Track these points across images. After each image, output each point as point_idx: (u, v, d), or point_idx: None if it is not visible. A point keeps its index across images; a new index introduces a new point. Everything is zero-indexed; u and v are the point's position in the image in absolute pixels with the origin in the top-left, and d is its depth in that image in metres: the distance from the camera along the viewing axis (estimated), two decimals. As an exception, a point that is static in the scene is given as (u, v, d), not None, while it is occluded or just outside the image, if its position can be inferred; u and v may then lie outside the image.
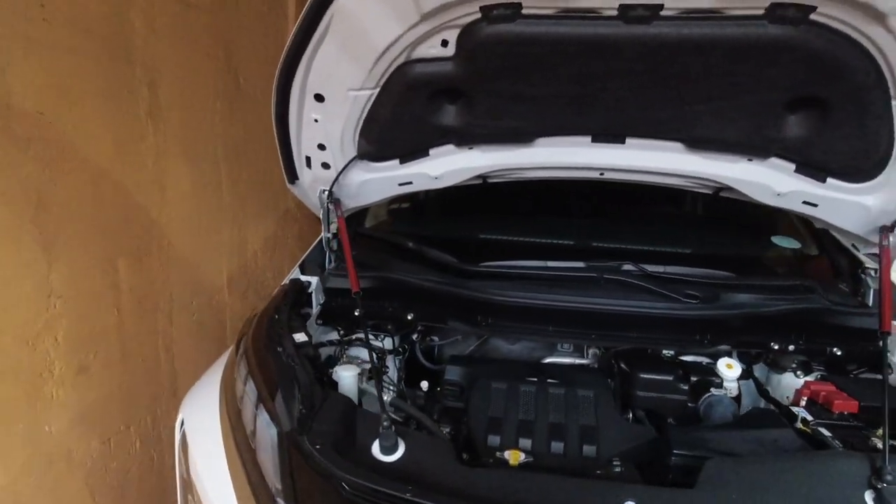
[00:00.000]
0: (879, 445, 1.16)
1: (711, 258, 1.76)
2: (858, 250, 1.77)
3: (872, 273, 1.68)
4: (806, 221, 1.89)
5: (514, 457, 1.18)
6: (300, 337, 1.35)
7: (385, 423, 1.03)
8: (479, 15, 1.16)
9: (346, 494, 0.91)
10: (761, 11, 1.08)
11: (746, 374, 1.58)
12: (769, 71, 1.20)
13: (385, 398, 1.36)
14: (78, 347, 1.73)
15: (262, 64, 2.56)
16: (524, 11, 1.14)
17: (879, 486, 0.93)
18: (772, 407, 1.43)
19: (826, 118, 1.31)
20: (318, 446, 0.98)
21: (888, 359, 1.51)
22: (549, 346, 1.72)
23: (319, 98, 1.40)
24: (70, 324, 1.68)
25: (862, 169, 1.40)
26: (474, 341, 1.77)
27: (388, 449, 1.02)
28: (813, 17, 1.09)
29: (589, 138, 1.47)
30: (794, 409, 1.39)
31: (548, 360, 1.71)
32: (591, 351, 1.70)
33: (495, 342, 1.76)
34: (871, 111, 1.25)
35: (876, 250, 1.59)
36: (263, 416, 1.07)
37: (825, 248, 1.89)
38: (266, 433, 1.04)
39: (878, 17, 1.05)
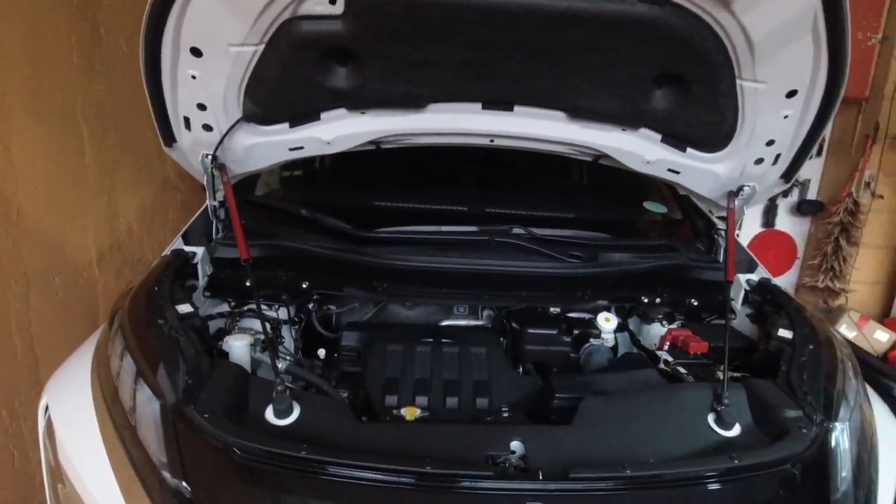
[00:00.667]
0: (720, 375, 1.36)
1: (592, 222, 1.91)
2: (713, 214, 2.02)
3: (722, 233, 1.92)
4: (672, 188, 2.11)
5: (410, 413, 1.22)
6: (184, 308, 1.27)
7: (279, 388, 1.02)
8: (369, -29, 1.14)
9: (238, 460, 0.88)
10: (632, -11, 1.17)
11: (622, 327, 1.76)
12: (639, 47, 1.30)
13: (280, 365, 1.33)
14: None
15: (128, 12, 2.29)
16: (414, -29, 1.13)
17: (719, 409, 1.10)
18: (641, 353, 1.60)
19: (686, 94, 1.45)
20: (206, 415, 0.94)
21: (731, 306, 1.76)
22: (446, 310, 1.78)
23: (196, 52, 1.30)
24: None
25: (714, 140, 1.59)
26: (372, 308, 1.78)
27: (283, 412, 1.00)
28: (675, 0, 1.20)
29: (479, 105, 1.51)
30: (659, 353, 1.57)
31: (445, 324, 1.77)
32: (485, 313, 1.78)
33: (393, 309, 1.79)
34: (721, 89, 1.41)
35: (725, 213, 1.82)
36: (144, 391, 1.00)
37: (687, 212, 2.13)
38: (147, 408, 0.97)
39: (724, 3, 1.19)
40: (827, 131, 3.04)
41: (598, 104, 1.51)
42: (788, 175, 1.67)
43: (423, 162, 2.04)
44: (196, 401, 0.98)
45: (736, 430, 1.09)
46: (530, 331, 1.52)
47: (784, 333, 1.40)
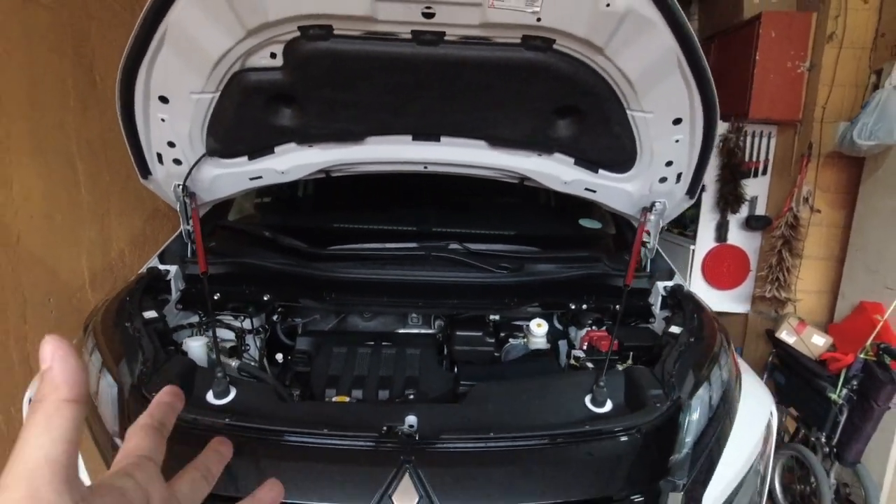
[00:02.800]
0: (619, 368, 1.55)
1: (526, 238, 2.12)
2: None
3: (649, 245, 2.12)
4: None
5: (340, 400, 1.42)
6: (150, 314, 1.49)
7: (219, 374, 1.22)
8: (298, 33, 1.39)
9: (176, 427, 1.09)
10: (518, 40, 1.41)
11: (563, 334, 1.95)
12: (534, 86, 1.54)
13: (233, 363, 1.55)
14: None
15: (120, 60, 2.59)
16: (335, 32, 1.37)
17: (594, 389, 1.29)
18: (548, 349, 1.79)
19: (584, 122, 1.68)
20: (153, 394, 1.15)
21: (651, 309, 1.95)
22: (401, 319, 1.98)
23: (164, 100, 1.55)
24: None
25: (619, 162, 1.80)
26: (333, 319, 1.99)
27: (220, 394, 1.21)
28: (556, 47, 1.43)
29: (410, 137, 1.74)
30: (575, 351, 1.77)
31: (400, 332, 1.96)
32: (437, 322, 1.98)
33: (353, 319, 1.99)
34: (613, 118, 1.64)
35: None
36: (107, 378, 1.21)
37: (620, 227, 2.34)
38: (107, 391, 1.19)
39: (598, 49, 1.42)
40: (770, 151, 3.27)
41: (511, 133, 1.74)
42: (692, 191, 1.87)
43: (375, 188, 2.28)
44: (148, 384, 1.19)
45: (608, 408, 1.27)
46: (458, 333, 1.73)
47: (674, 329, 1.60)
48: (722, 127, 3.04)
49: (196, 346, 1.51)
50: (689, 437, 1.19)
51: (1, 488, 0.33)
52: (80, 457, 1.06)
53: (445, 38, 1.40)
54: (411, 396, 1.39)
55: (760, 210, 3.30)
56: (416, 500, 0.99)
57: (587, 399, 1.29)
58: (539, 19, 1.32)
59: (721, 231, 3.34)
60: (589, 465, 1.11)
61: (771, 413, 1.49)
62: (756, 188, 3.29)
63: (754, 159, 3.24)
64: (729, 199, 3.22)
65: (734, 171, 3.18)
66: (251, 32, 1.37)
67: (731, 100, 3.12)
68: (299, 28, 1.37)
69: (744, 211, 3.30)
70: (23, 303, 2.11)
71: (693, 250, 3.41)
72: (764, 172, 3.27)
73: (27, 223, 2.11)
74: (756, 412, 1.42)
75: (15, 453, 0.35)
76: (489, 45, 1.43)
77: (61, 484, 0.34)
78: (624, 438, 1.15)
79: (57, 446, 0.35)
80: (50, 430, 0.35)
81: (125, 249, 2.73)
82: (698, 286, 3.34)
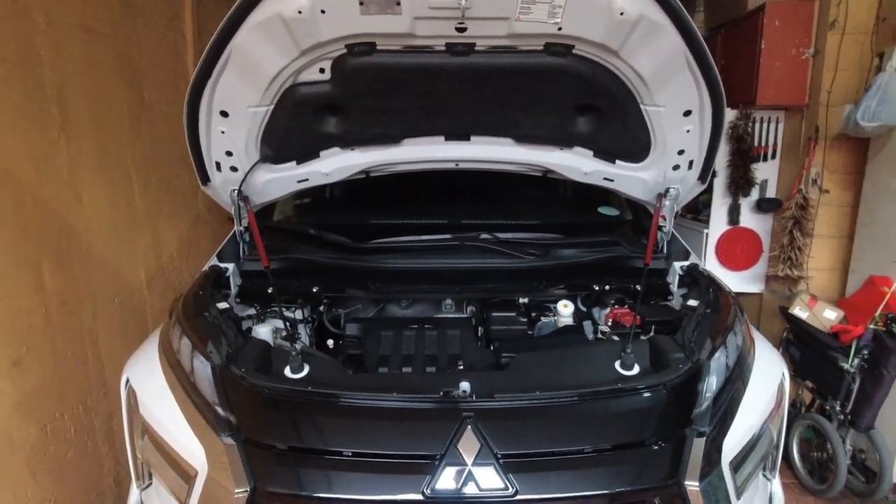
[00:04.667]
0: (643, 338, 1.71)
1: (550, 226, 2.29)
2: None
3: (665, 228, 2.27)
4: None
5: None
6: (223, 305, 1.69)
7: (294, 353, 1.41)
8: (345, 50, 1.57)
9: (266, 396, 1.28)
10: (541, 47, 1.58)
11: (587, 315, 2.11)
12: (555, 87, 1.70)
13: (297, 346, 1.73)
14: (11, 342, 1.92)
15: (165, 80, 2.80)
16: (378, 48, 1.56)
17: (622, 356, 1.45)
18: (578, 326, 1.95)
19: (603, 118, 1.84)
20: (243, 370, 1.34)
21: (669, 287, 2.10)
22: (436, 306, 2.16)
23: (224, 114, 1.74)
24: (1, 321, 1.87)
25: (635, 153, 1.96)
26: (373, 309, 2.17)
27: (296, 369, 1.40)
28: (575, 51, 1.59)
29: (443, 138, 1.92)
30: (601, 327, 1.93)
31: (437, 317, 2.14)
32: (469, 308, 2.16)
33: (391, 308, 2.18)
34: (630, 113, 1.80)
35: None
36: (199, 359, 1.40)
37: (637, 214, 2.49)
38: (202, 370, 1.37)
39: (613, 52, 1.58)
40: (779, 136, 3.39)
41: (536, 131, 1.90)
42: (703, 177, 2.02)
43: (409, 186, 2.46)
44: (235, 362, 1.38)
45: (635, 371, 1.44)
46: (494, 314, 1.90)
47: (692, 303, 1.75)
48: (730, 114, 3.16)
49: (264, 332, 1.70)
50: (708, 393, 1.35)
51: None
52: (184, 420, 1.24)
53: (476, 48, 1.57)
54: (461, 367, 1.57)
55: (771, 193, 3.42)
56: (478, 447, 1.17)
57: (617, 364, 1.46)
58: (560, 28, 1.48)
59: (733, 214, 3.46)
60: (624, 417, 1.28)
61: (783, 374, 1.65)
62: (766, 172, 3.41)
63: (763, 144, 3.35)
64: (740, 183, 3.33)
65: (744, 157, 3.29)
66: (304, 52, 1.55)
67: (738, 88, 3.24)
68: (346, 46, 1.55)
69: (755, 194, 3.41)
70: (93, 304, 2.32)
71: (707, 234, 3.53)
72: (773, 156, 3.38)
73: (96, 232, 2.32)
74: (769, 374, 1.58)
75: None
76: (515, 53, 1.60)
77: None
78: (653, 394, 1.31)
79: None
80: None
81: (174, 253, 2.94)
82: (713, 268, 3.46)
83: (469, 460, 1.16)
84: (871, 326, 2.53)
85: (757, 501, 1.51)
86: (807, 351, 2.79)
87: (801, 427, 2.85)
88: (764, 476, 1.60)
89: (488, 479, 1.15)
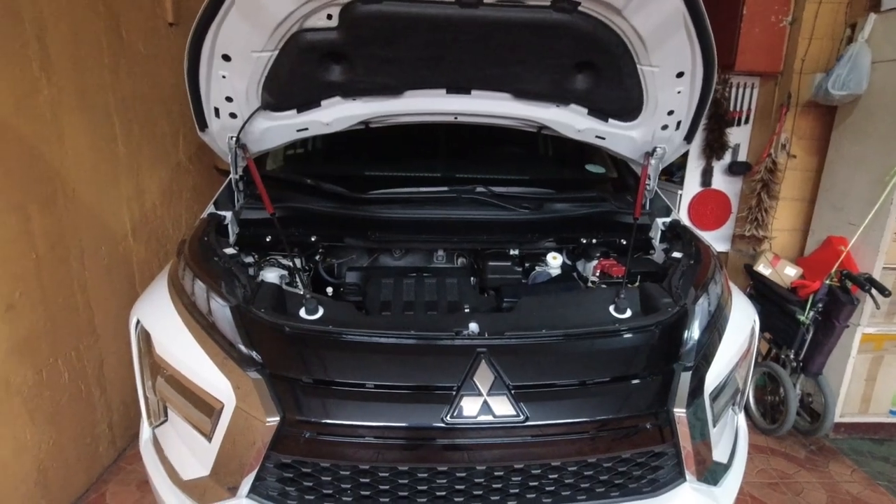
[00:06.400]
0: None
1: (542, 181, 2.37)
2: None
3: (649, 186, 2.37)
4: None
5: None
6: (229, 251, 1.71)
7: (308, 296, 1.47)
8: (355, -3, 1.56)
9: (287, 334, 1.34)
10: (548, 2, 1.60)
11: (573, 268, 2.22)
12: (558, 43, 1.74)
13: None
14: (3, 287, 1.90)
15: (142, 20, 2.68)
16: (388, -4, 1.56)
17: (615, 301, 1.57)
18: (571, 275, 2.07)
19: (600, 76, 1.90)
20: (262, 310, 1.39)
21: (652, 241, 2.23)
22: (427, 258, 2.23)
23: (227, 58, 1.71)
24: (-6, 265, 1.85)
25: (627, 112, 2.04)
26: (367, 259, 2.22)
27: (311, 311, 1.45)
28: (581, 8, 1.63)
29: (444, 90, 1.94)
30: (591, 277, 2.05)
31: (431, 266, 2.20)
32: (459, 260, 2.23)
33: (384, 259, 2.23)
34: (626, 72, 1.86)
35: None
36: (216, 301, 1.44)
37: (621, 172, 2.59)
38: (221, 311, 1.41)
39: (616, 10, 1.63)
40: (753, 102, 3.52)
41: (534, 87, 1.95)
42: (689, 137, 2.12)
43: (406, 141, 2.48)
44: (253, 303, 1.43)
45: (627, 314, 1.56)
46: (490, 263, 1.99)
47: (676, 255, 1.88)
48: (709, 79, 3.26)
49: (273, 277, 1.74)
50: (694, 334, 1.48)
51: None
52: (206, 358, 1.29)
53: (484, 0, 1.59)
54: (467, 310, 1.66)
55: (742, 156, 3.59)
56: (493, 379, 1.27)
57: (611, 308, 1.57)
58: (569, -17, 1.51)
59: (706, 177, 3.62)
60: (621, 353, 1.41)
61: (754, 321, 1.81)
62: (739, 136, 3.56)
63: (738, 109, 3.49)
64: (714, 146, 3.48)
65: (720, 121, 3.43)
66: (313, -4, 1.54)
67: (718, 53, 3.33)
68: (356, -8, 1.55)
69: (727, 158, 3.57)
70: (81, 251, 2.29)
71: (680, 195, 3.70)
72: (746, 121, 3.53)
73: (79, 176, 2.26)
74: (742, 320, 1.74)
75: None
76: (522, 7, 1.62)
77: None
78: (646, 333, 1.44)
79: None
80: None
81: (156, 201, 2.89)
82: (684, 228, 3.64)
83: (484, 391, 1.26)
84: (827, 282, 2.75)
85: (727, 430, 1.69)
86: (767, 305, 3.01)
87: (758, 374, 3.11)
88: (732, 410, 1.79)
89: (502, 407, 1.26)
